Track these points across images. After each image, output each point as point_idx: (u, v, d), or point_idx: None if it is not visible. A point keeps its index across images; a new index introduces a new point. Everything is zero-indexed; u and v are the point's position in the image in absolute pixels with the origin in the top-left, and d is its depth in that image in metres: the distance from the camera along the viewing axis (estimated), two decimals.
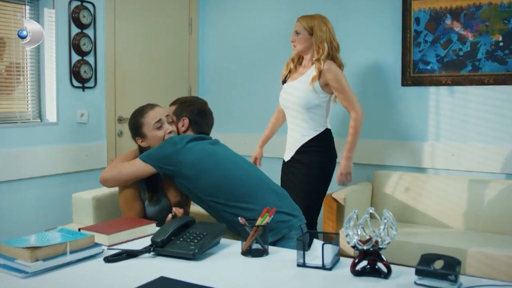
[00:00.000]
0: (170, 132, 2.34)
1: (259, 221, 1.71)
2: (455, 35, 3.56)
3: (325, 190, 3.07)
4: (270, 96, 4.30)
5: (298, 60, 3.16)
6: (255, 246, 1.72)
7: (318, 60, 2.98)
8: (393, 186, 3.64)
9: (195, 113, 2.41)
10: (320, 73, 2.95)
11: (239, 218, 1.73)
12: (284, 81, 3.18)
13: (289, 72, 3.17)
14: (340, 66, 3.05)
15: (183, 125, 2.40)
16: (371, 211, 1.53)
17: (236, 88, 4.49)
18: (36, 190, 3.35)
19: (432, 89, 3.66)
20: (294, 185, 2.97)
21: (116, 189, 2.67)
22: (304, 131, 3.02)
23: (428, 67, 3.65)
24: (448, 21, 3.57)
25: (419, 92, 3.69)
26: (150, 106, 2.40)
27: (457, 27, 3.55)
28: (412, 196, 3.59)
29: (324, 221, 3.41)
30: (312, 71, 2.99)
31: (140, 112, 2.38)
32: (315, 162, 2.98)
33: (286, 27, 4.21)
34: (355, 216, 1.50)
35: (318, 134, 3.00)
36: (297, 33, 3.07)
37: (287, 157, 3.10)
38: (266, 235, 1.72)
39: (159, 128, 2.33)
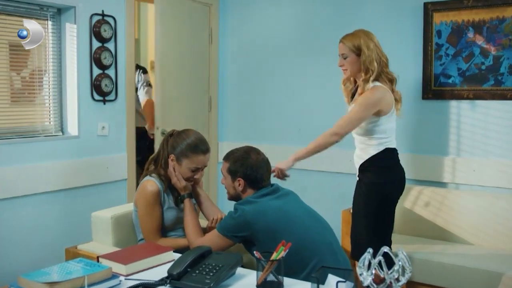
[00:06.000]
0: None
1: (274, 255, 1.72)
2: (477, 49, 3.51)
3: (384, 213, 2.82)
4: (292, 105, 4.31)
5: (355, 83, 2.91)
6: (270, 278, 1.73)
7: (365, 81, 2.75)
8: (412, 201, 3.61)
9: (248, 171, 2.35)
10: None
11: (254, 252, 1.74)
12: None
13: (353, 94, 2.92)
14: (392, 81, 2.80)
15: (239, 185, 2.37)
16: (385, 250, 1.52)
17: (257, 98, 4.49)
18: (58, 204, 3.41)
19: (453, 103, 3.62)
20: (354, 203, 2.91)
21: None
22: (364, 150, 2.83)
23: (450, 81, 3.61)
24: (470, 34, 3.52)
25: (440, 105, 3.65)
26: (204, 151, 2.48)
27: (480, 41, 3.49)
28: (432, 211, 3.55)
29: (342, 236, 3.40)
30: None
31: (193, 147, 2.44)
32: (373, 183, 2.79)
33: (306, 35, 4.22)
34: (369, 256, 1.50)
35: (376, 154, 2.78)
36: (343, 56, 2.81)
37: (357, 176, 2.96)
38: (281, 268, 1.73)
39: (193, 171, 2.47)
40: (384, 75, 2.78)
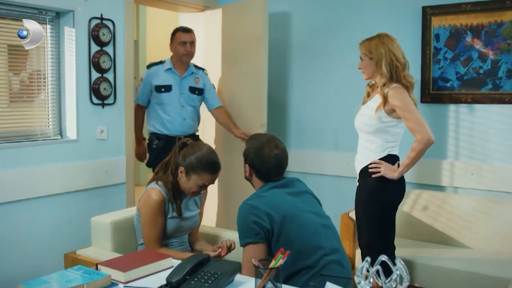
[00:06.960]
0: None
1: (272, 264, 1.73)
2: (475, 53, 3.51)
3: (385, 221, 2.83)
4: (291, 107, 4.31)
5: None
6: (269, 285, 1.73)
7: (382, 85, 2.77)
8: (411, 204, 3.62)
9: (255, 161, 2.32)
10: (385, 100, 2.75)
11: (253, 260, 1.74)
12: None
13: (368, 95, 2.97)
14: (409, 85, 2.79)
15: (246, 170, 2.36)
16: (383, 259, 1.53)
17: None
18: (56, 207, 3.40)
19: (452, 107, 3.63)
20: (356, 209, 2.91)
21: (133, 213, 2.71)
22: (365, 154, 2.85)
23: (448, 85, 3.61)
24: (468, 38, 3.53)
25: (438, 109, 3.66)
26: (215, 170, 2.47)
27: (478, 45, 3.50)
28: (430, 215, 3.57)
29: (341, 240, 3.40)
30: (379, 97, 2.79)
31: (204, 164, 2.44)
32: (372, 190, 2.79)
33: (305, 39, 4.22)
34: (367, 265, 1.50)
35: (379, 159, 2.79)
36: (361, 59, 2.89)
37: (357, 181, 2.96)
38: (280, 276, 1.73)
39: (201, 187, 2.47)
40: (401, 79, 2.78)
